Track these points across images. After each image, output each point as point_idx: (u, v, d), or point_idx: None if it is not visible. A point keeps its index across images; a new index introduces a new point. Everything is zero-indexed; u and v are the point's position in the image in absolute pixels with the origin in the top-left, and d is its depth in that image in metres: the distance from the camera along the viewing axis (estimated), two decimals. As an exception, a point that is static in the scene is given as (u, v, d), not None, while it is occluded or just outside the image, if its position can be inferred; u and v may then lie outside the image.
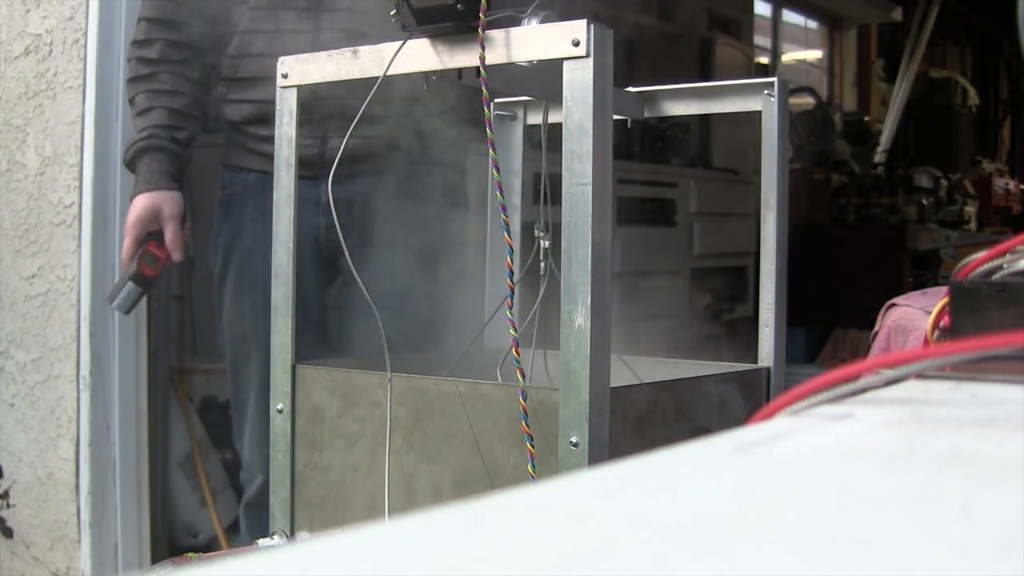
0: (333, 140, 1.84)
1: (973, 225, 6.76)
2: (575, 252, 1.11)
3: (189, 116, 1.92)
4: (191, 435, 2.69)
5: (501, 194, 1.23)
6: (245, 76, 1.90)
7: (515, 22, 1.20)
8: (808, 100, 6.17)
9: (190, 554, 1.78)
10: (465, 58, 1.21)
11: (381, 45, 1.27)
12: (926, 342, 0.85)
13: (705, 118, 4.96)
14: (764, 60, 6.65)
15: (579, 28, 1.11)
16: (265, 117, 1.80)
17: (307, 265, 1.84)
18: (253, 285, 1.89)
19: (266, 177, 1.84)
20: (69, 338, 2.34)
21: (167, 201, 1.87)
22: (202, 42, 1.93)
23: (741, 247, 4.66)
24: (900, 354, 0.55)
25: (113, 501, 2.34)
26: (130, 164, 1.91)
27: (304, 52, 1.36)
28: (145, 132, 1.88)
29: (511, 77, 1.38)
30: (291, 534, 1.39)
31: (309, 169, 1.81)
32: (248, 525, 2.06)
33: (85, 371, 2.31)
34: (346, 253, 1.31)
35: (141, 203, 1.86)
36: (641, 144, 4.48)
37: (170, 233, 1.88)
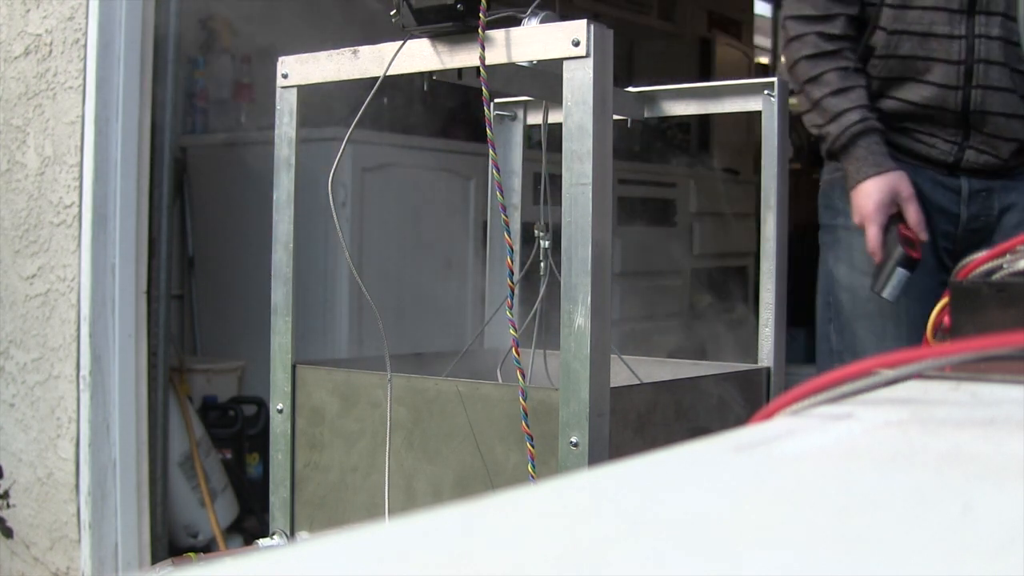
0: (970, 152, 1.81)
1: (973, 225, 6.74)
2: (575, 252, 1.11)
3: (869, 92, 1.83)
4: (191, 435, 2.69)
5: (501, 194, 1.23)
6: (887, 76, 1.83)
7: (515, 22, 1.20)
8: (808, 100, 6.16)
9: (190, 554, 1.78)
10: (465, 58, 1.21)
11: (381, 45, 1.27)
12: (926, 342, 0.85)
13: (705, 118, 4.96)
14: (764, 60, 6.65)
15: (579, 28, 1.11)
16: (910, 116, 1.80)
17: (927, 261, 1.80)
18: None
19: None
20: (69, 338, 2.34)
21: (903, 181, 1.76)
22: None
23: (741, 247, 4.66)
24: (900, 354, 0.55)
25: (113, 501, 2.34)
26: (843, 148, 1.78)
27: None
28: (855, 114, 1.77)
29: (511, 77, 1.38)
30: (291, 534, 1.39)
31: (942, 171, 1.83)
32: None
33: (85, 371, 2.31)
34: (346, 253, 1.31)
35: (876, 186, 1.75)
36: (641, 144, 4.49)
37: (914, 213, 1.77)
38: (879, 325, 1.87)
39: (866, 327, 1.89)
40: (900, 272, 1.73)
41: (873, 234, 1.76)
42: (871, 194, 1.75)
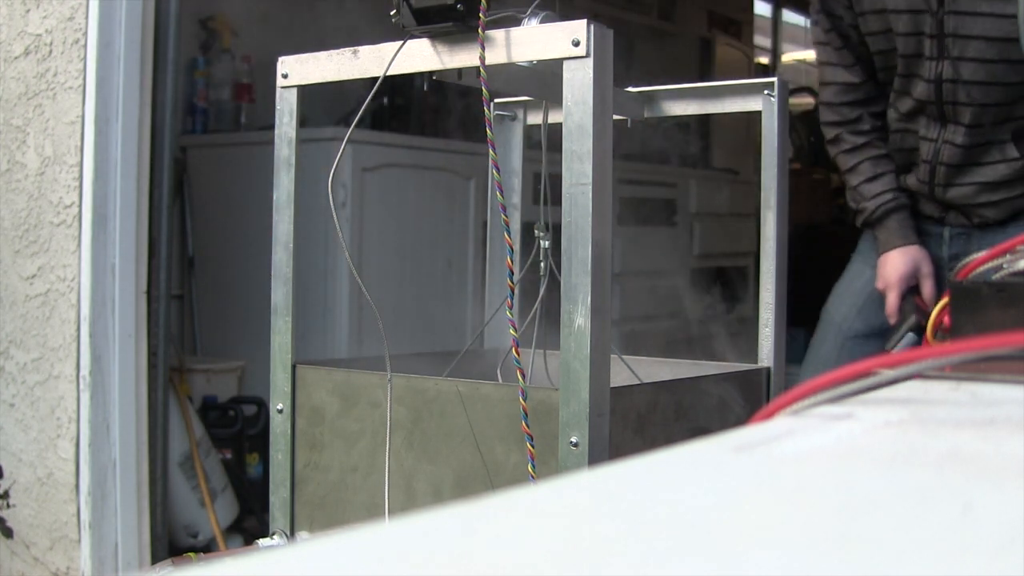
0: (952, 214, 1.99)
1: (973, 225, 6.74)
2: (575, 252, 1.11)
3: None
4: (191, 435, 2.69)
5: (501, 194, 1.23)
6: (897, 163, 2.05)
7: (515, 22, 1.20)
8: (808, 100, 6.18)
9: (190, 554, 1.78)
10: (465, 58, 1.21)
11: (381, 45, 1.27)
12: (926, 342, 0.85)
13: (705, 118, 4.96)
14: (764, 60, 6.65)
15: (579, 28, 1.11)
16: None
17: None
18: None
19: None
20: (69, 338, 2.34)
21: (925, 259, 1.99)
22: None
23: (741, 247, 4.66)
24: (900, 354, 0.55)
25: (113, 501, 2.34)
26: (878, 220, 2.04)
27: None
28: (889, 195, 2.01)
29: (511, 77, 1.38)
30: (291, 534, 1.39)
31: (929, 221, 2.04)
32: None
33: (85, 371, 2.31)
34: (346, 253, 1.31)
35: (902, 259, 1.99)
36: (641, 144, 4.49)
37: (929, 289, 1.99)
38: (823, 331, 2.15)
39: (820, 328, 2.18)
40: (910, 336, 1.98)
41: (892, 300, 2.00)
42: (897, 266, 1.99)
